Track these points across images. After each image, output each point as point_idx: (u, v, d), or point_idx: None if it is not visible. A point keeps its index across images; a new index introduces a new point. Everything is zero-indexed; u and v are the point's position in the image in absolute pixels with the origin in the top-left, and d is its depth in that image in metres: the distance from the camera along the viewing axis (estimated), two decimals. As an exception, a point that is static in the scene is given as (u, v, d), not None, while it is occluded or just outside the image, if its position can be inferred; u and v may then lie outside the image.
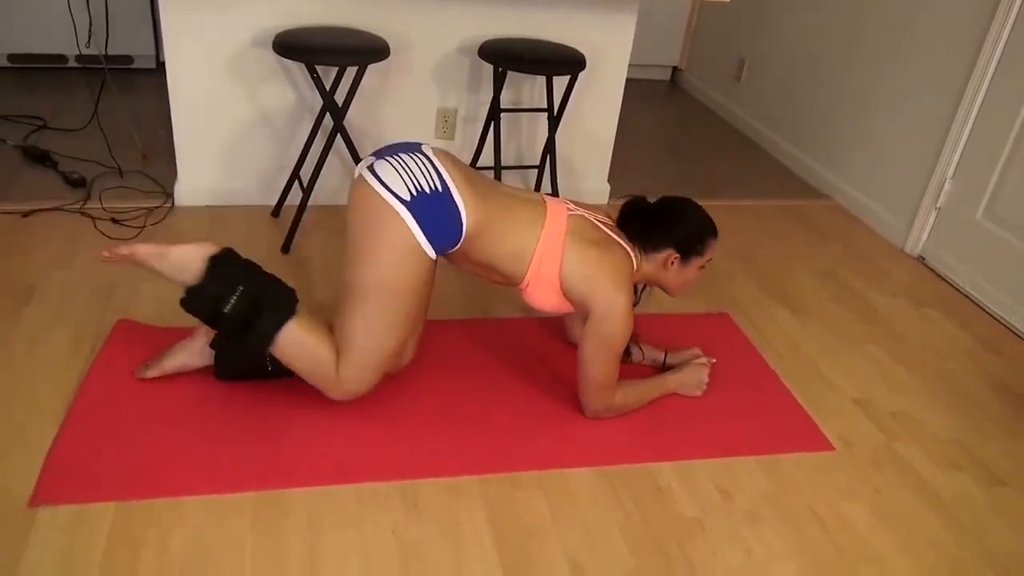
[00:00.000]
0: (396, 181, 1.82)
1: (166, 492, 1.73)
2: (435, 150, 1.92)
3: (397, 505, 1.78)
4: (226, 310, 1.83)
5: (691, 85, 5.09)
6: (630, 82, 3.37)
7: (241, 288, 1.85)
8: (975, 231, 2.99)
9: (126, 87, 3.92)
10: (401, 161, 1.86)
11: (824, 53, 3.82)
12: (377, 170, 1.85)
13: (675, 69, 5.25)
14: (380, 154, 1.90)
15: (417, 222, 1.81)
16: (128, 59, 4.16)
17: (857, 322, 2.73)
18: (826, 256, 3.17)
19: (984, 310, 2.90)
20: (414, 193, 1.82)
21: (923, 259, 3.21)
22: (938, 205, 3.14)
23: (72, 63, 4.07)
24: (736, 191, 3.70)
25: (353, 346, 1.89)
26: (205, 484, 1.77)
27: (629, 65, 3.18)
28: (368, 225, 1.83)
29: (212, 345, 2.00)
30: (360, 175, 1.88)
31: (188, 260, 1.86)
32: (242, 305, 1.84)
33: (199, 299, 1.85)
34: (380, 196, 1.81)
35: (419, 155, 1.88)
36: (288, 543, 1.66)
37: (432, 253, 1.87)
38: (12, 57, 4.00)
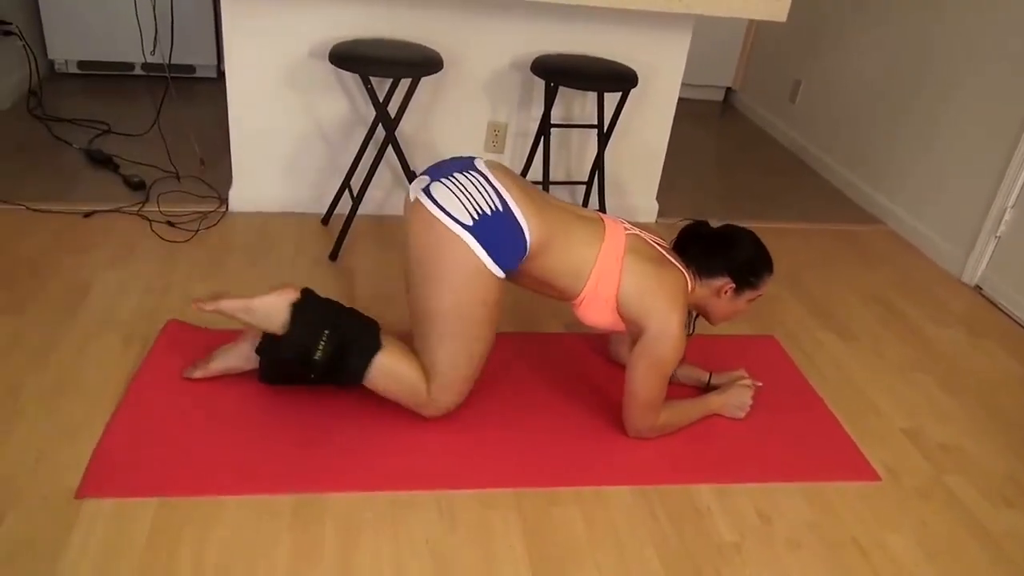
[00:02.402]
0: (455, 205, 1.81)
1: (206, 491, 1.76)
2: (488, 163, 1.92)
3: (433, 515, 1.79)
4: (316, 357, 1.87)
5: (745, 106, 5.05)
6: (683, 102, 3.36)
7: (327, 332, 1.88)
8: (1036, 261, 2.91)
9: (188, 95, 4.03)
10: (457, 182, 1.84)
11: (883, 76, 3.75)
12: (434, 194, 1.84)
13: (729, 90, 5.22)
14: (433, 174, 1.89)
15: (482, 245, 1.81)
16: (191, 68, 4.28)
17: (908, 350, 2.66)
18: (878, 282, 3.10)
19: (1043, 343, 2.81)
20: (476, 217, 1.81)
21: (980, 289, 3.13)
22: (998, 234, 3.06)
23: (138, 71, 4.20)
24: (786, 213, 3.64)
25: (440, 370, 1.92)
26: (245, 484, 1.79)
27: (682, 85, 3.16)
28: (433, 255, 1.84)
29: (258, 351, 2.03)
30: (416, 199, 1.87)
31: (272, 309, 1.90)
32: (330, 348, 1.88)
33: (289, 347, 1.89)
34: (441, 223, 1.81)
35: (474, 173, 1.87)
36: (323, 547, 1.68)
37: (499, 272, 1.87)
38: (82, 64, 4.15)
